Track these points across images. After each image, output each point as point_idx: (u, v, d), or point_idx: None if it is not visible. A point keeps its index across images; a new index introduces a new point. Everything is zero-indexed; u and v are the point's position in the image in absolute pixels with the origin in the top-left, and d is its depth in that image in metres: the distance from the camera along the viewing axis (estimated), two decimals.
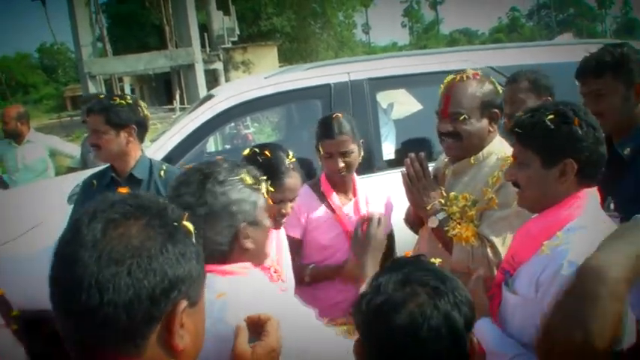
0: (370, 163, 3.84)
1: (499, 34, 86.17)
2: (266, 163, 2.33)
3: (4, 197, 4.91)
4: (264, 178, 2.19)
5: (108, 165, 3.09)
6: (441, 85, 2.53)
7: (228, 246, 1.67)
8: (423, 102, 5.60)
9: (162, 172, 3.00)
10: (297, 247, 2.91)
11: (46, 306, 0.98)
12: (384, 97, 5.21)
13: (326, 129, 2.88)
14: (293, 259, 2.74)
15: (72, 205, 3.25)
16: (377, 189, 3.15)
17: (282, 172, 2.40)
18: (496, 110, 2.46)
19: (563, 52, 4.34)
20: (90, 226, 0.93)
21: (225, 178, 1.69)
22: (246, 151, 2.45)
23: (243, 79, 7.17)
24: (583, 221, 1.77)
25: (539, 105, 1.94)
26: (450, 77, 2.51)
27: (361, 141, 2.97)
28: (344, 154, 2.86)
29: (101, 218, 0.94)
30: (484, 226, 2.37)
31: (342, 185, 3.00)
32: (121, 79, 26.94)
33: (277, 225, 2.45)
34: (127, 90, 33.61)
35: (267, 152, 2.40)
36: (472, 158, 2.47)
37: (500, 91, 2.54)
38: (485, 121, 2.44)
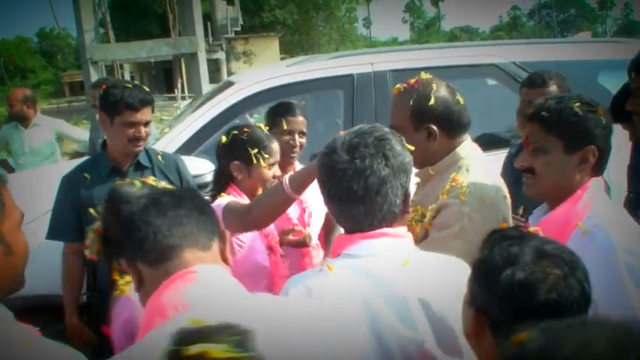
0: None
1: (500, 32, 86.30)
2: (252, 136, 2.58)
3: (11, 181, 4.80)
4: (257, 150, 2.54)
5: (95, 156, 3.11)
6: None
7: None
8: None
9: (159, 158, 3.03)
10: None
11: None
12: None
13: (289, 108, 3.05)
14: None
15: None
16: None
17: (268, 139, 2.63)
18: (431, 125, 2.14)
19: (588, 50, 4.29)
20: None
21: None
22: (224, 138, 2.63)
23: (264, 67, 7.10)
24: (597, 209, 1.80)
25: (560, 95, 1.97)
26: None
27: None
28: (301, 134, 3.03)
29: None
30: (422, 245, 2.05)
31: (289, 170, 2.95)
32: (121, 66, 26.82)
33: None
34: (127, 77, 33.52)
35: (245, 129, 2.62)
36: (430, 168, 2.21)
37: (433, 101, 2.13)
38: (421, 136, 2.15)
